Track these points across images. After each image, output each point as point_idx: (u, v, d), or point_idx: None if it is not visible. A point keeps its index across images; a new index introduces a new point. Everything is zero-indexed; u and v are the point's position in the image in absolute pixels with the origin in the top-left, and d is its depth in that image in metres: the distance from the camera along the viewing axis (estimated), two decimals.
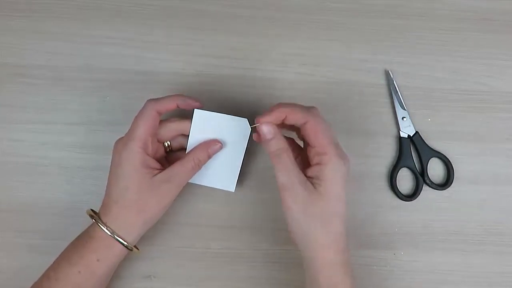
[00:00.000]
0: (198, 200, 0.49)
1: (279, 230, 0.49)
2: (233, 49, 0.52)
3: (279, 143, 0.39)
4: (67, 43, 0.51)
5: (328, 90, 0.51)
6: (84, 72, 0.51)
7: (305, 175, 0.39)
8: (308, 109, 0.40)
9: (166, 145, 0.45)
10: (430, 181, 0.49)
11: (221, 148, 0.44)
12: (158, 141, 0.44)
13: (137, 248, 0.43)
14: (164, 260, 0.48)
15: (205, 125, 0.44)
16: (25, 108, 0.50)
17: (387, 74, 0.51)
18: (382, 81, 0.52)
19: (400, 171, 0.50)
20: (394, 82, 0.51)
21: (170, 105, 0.42)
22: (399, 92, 0.50)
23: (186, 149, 0.44)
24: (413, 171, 0.50)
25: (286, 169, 0.39)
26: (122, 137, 0.42)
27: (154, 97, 0.42)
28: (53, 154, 0.49)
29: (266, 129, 0.39)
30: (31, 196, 0.48)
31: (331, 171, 0.38)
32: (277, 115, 0.40)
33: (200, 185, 0.46)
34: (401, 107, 0.50)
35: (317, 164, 0.39)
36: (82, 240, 0.42)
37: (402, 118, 0.50)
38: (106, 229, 0.40)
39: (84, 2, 0.52)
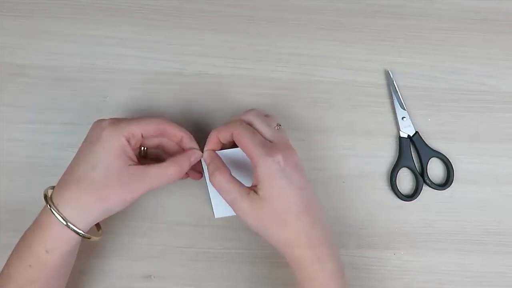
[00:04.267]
0: (198, 200, 0.49)
1: None
2: (233, 49, 0.52)
3: (214, 166, 0.41)
4: (67, 43, 0.51)
5: (328, 90, 0.51)
6: (84, 72, 0.51)
7: (252, 185, 0.40)
8: (231, 122, 0.42)
9: (142, 149, 0.45)
10: (430, 181, 0.49)
11: (201, 156, 0.43)
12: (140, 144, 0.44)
13: (88, 236, 0.39)
14: (164, 260, 0.48)
15: None
16: (25, 108, 0.50)
17: (387, 74, 0.51)
18: (382, 81, 0.52)
19: (400, 171, 0.50)
20: (394, 82, 0.51)
21: (177, 133, 0.42)
22: (399, 92, 0.50)
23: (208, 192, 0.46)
24: (413, 171, 0.50)
25: (224, 189, 0.40)
26: (109, 118, 0.41)
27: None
28: (53, 154, 0.49)
29: (204, 156, 0.42)
30: (31, 196, 0.48)
31: (262, 172, 0.38)
32: (213, 141, 0.42)
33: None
34: (401, 107, 0.50)
35: (253, 170, 0.40)
36: (31, 229, 0.39)
37: (402, 118, 0.50)
38: (57, 214, 0.37)
39: (84, 2, 0.52)
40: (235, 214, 0.42)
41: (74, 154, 0.49)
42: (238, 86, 0.51)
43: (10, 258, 0.39)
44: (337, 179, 0.50)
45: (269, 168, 0.38)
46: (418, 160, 0.50)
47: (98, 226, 0.44)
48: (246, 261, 0.48)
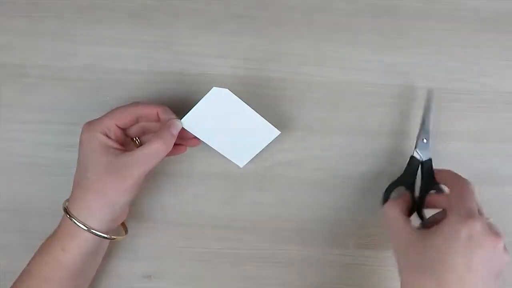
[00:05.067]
0: (199, 200, 0.49)
1: (279, 230, 0.49)
2: (233, 49, 0.52)
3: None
4: (67, 43, 0.51)
5: (328, 90, 0.51)
6: (84, 72, 0.51)
7: (428, 224, 0.43)
8: (462, 179, 0.42)
9: (136, 141, 0.46)
10: (423, 217, 0.46)
11: (180, 124, 0.43)
12: (127, 135, 0.44)
13: (110, 236, 0.41)
14: (164, 260, 0.48)
15: (198, 122, 0.44)
16: (25, 108, 0.50)
17: (429, 92, 0.48)
18: (382, 81, 0.52)
19: (398, 188, 0.47)
20: (432, 103, 0.48)
21: (150, 111, 0.43)
22: (433, 113, 0.48)
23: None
24: (411, 195, 0.47)
25: (396, 219, 0.42)
26: (86, 122, 0.43)
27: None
28: (53, 154, 0.49)
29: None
30: (31, 196, 0.48)
31: (451, 230, 0.37)
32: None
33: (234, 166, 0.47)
34: (426, 129, 0.47)
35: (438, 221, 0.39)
36: (53, 232, 0.41)
37: (423, 139, 0.47)
38: (67, 213, 0.40)
39: (84, 2, 0.52)
40: (257, 152, 0.44)
41: (74, 154, 0.49)
42: (238, 86, 0.51)
43: (33, 256, 0.41)
44: (337, 179, 0.50)
45: (461, 231, 0.36)
46: (420, 188, 0.47)
47: (125, 227, 0.46)
48: (246, 261, 0.48)
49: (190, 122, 0.44)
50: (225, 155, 0.46)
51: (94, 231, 0.39)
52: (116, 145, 0.41)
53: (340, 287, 0.48)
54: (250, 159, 0.47)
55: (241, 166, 0.47)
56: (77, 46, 0.51)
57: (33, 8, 0.52)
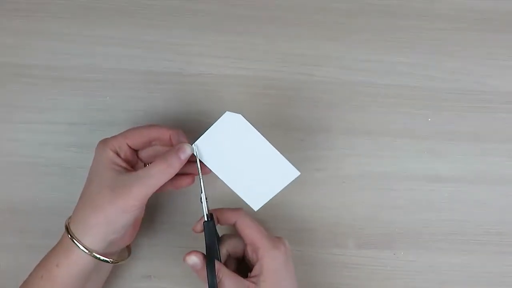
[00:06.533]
0: (199, 200, 0.49)
1: (278, 230, 0.49)
2: (233, 49, 0.52)
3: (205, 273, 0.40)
4: (67, 43, 0.51)
5: (328, 90, 0.51)
6: (84, 72, 0.51)
7: (251, 276, 0.41)
8: (234, 210, 0.43)
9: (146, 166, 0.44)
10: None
11: (191, 149, 0.40)
12: (140, 159, 0.44)
13: (109, 260, 0.39)
14: (164, 260, 0.48)
15: (210, 149, 0.41)
16: (25, 108, 0.50)
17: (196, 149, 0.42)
18: (382, 81, 0.52)
19: None
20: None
21: (163, 133, 0.42)
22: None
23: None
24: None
25: (225, 284, 0.40)
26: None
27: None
28: (53, 154, 0.49)
29: (192, 261, 0.41)
30: (31, 196, 0.48)
31: (269, 265, 0.40)
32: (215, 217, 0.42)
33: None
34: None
35: (256, 260, 0.40)
36: (55, 245, 0.40)
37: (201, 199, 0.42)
38: (66, 228, 0.39)
39: (84, 2, 0.52)
40: (274, 195, 0.41)
41: (74, 154, 0.49)
42: (238, 86, 0.51)
43: (34, 268, 0.40)
44: (337, 179, 0.50)
45: (276, 262, 0.40)
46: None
47: (129, 250, 0.45)
48: None
49: (201, 148, 0.41)
50: (237, 193, 0.42)
51: (85, 249, 0.38)
52: (123, 164, 0.41)
53: (340, 287, 0.48)
54: (265, 202, 0.42)
55: (255, 209, 0.42)
56: (77, 46, 0.51)
57: (33, 8, 0.52)
